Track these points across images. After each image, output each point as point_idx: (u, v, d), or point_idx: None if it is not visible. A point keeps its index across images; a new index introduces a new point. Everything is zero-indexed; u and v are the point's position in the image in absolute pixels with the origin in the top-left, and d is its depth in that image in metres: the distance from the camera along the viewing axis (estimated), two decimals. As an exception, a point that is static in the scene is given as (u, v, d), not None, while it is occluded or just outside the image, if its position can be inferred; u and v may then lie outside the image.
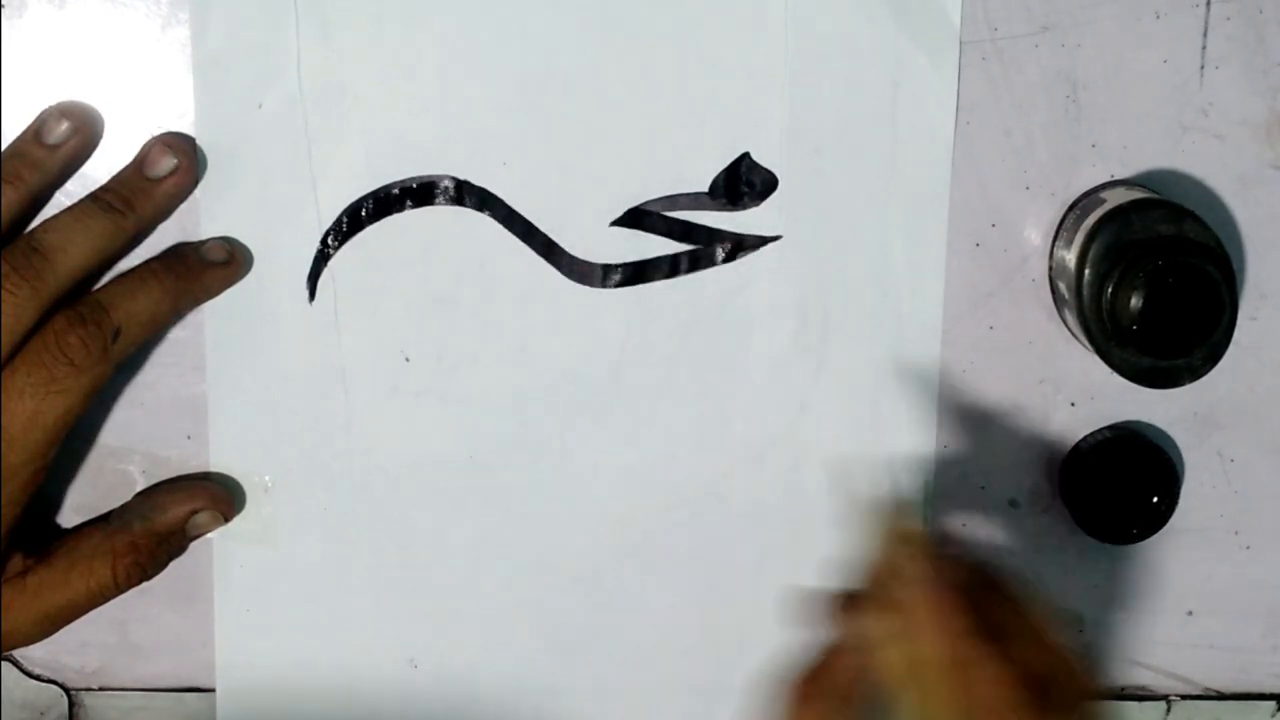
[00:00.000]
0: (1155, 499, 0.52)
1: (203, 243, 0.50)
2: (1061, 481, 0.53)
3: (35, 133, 0.48)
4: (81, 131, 0.48)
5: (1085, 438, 0.53)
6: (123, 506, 0.51)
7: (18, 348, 0.46)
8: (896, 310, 0.52)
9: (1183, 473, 0.53)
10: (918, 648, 0.40)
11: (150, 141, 0.49)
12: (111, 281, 0.48)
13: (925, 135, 0.51)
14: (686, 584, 0.53)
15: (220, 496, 0.51)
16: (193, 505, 0.50)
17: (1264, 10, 0.50)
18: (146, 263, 0.49)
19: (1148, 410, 0.53)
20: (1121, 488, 0.52)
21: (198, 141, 0.49)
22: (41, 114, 0.48)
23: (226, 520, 0.51)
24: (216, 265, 0.49)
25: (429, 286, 0.51)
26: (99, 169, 0.49)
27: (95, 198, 0.48)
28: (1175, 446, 0.53)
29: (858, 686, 0.42)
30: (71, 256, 0.46)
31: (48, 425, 0.46)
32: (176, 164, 0.48)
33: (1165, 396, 0.52)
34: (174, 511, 0.50)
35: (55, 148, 0.48)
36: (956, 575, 0.42)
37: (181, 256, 0.49)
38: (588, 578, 0.53)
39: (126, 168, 0.49)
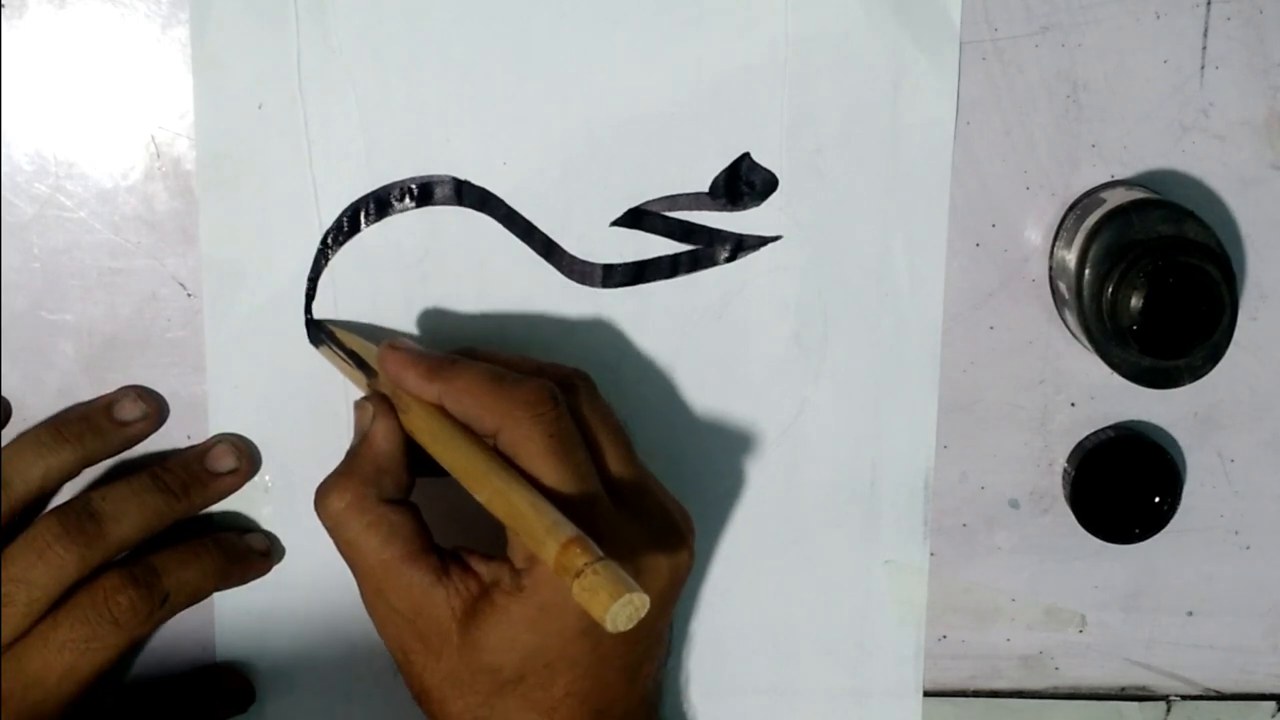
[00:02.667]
0: (1157, 499, 0.52)
1: (247, 532, 0.52)
2: (1064, 481, 0.53)
3: (109, 405, 0.50)
4: (150, 418, 0.50)
5: (1087, 437, 0.53)
6: (147, 705, 0.51)
7: (56, 603, 0.47)
8: (896, 310, 0.52)
9: (1183, 473, 0.53)
10: (406, 407, 0.47)
11: (216, 438, 0.51)
12: (167, 549, 0.49)
13: (925, 135, 0.51)
14: (686, 583, 0.53)
15: (239, 687, 0.52)
16: (213, 701, 0.52)
17: (1264, 10, 0.50)
18: (201, 539, 0.50)
19: (1148, 410, 0.53)
20: (1124, 487, 0.52)
21: (198, 142, 0.49)
22: (120, 390, 0.50)
23: (246, 708, 0.52)
24: (256, 554, 0.51)
25: (429, 287, 0.51)
26: (100, 169, 0.49)
27: (155, 475, 0.49)
28: (1175, 446, 0.53)
29: (384, 465, 0.47)
30: (123, 527, 0.48)
31: (81, 679, 0.47)
32: (237, 467, 0.50)
33: (1165, 396, 0.52)
34: (195, 709, 0.51)
35: (123, 425, 0.50)
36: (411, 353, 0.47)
37: (231, 541, 0.51)
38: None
39: (190, 455, 0.51)
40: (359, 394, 0.51)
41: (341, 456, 0.49)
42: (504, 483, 0.44)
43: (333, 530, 0.47)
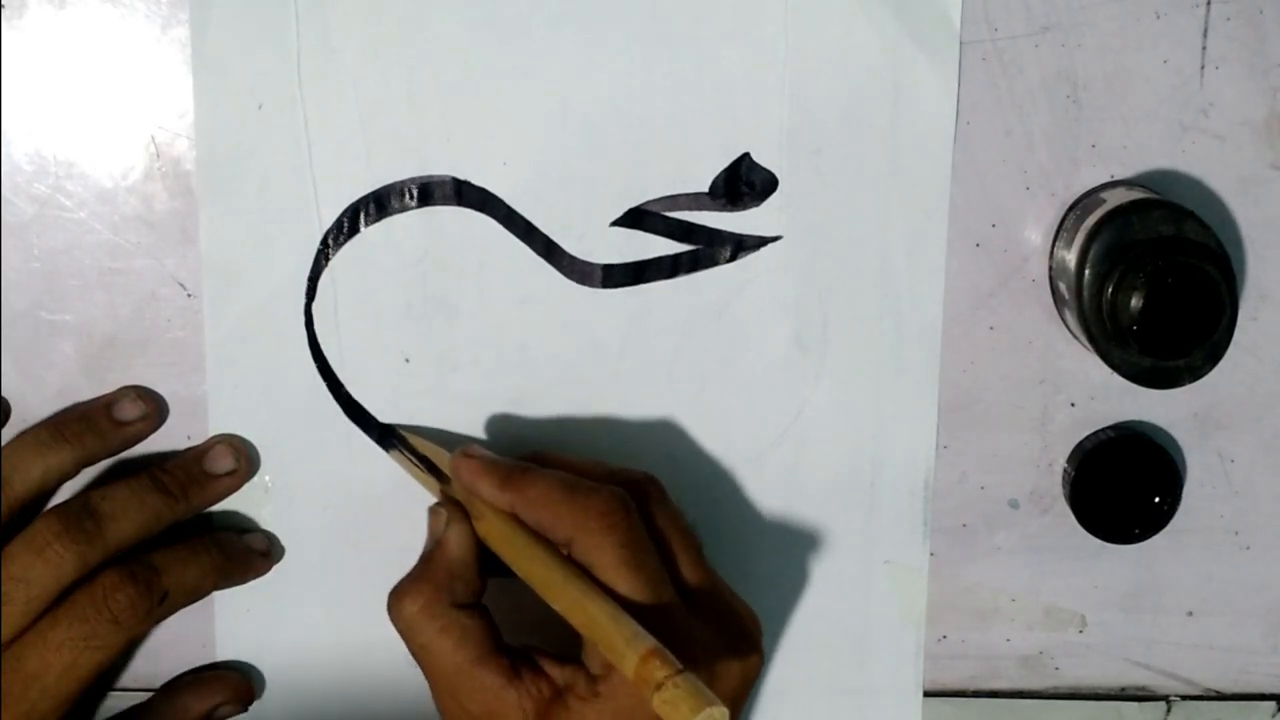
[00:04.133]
0: (1157, 499, 0.52)
1: (246, 532, 0.52)
2: (1064, 481, 0.53)
3: (109, 405, 0.50)
4: (149, 418, 0.51)
5: (1087, 437, 0.53)
6: (146, 705, 0.51)
7: (55, 601, 0.47)
8: (896, 310, 0.52)
9: (1183, 473, 0.53)
10: (480, 514, 0.48)
11: (215, 439, 0.51)
12: (167, 548, 0.49)
13: (925, 135, 0.51)
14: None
15: (239, 687, 0.52)
16: (214, 701, 0.52)
17: (1264, 10, 0.50)
18: (201, 537, 0.50)
19: (1148, 410, 0.53)
20: (1124, 487, 0.52)
21: (198, 142, 0.49)
22: (120, 390, 0.51)
23: (247, 708, 0.53)
24: (256, 554, 0.51)
25: (429, 287, 0.51)
26: (100, 170, 0.49)
27: (154, 477, 0.49)
28: (1175, 446, 0.53)
29: (457, 571, 0.47)
30: (122, 527, 0.48)
31: (80, 678, 0.47)
32: (236, 468, 0.51)
33: (1165, 397, 0.52)
34: (196, 709, 0.51)
35: (122, 425, 0.50)
36: (491, 463, 0.48)
37: (231, 541, 0.51)
38: (588, 578, 0.53)
39: (188, 456, 0.51)
40: (359, 394, 0.51)
41: (341, 457, 0.49)
42: (580, 592, 0.44)
43: (405, 633, 0.47)
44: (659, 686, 0.41)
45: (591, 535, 0.45)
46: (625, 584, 0.45)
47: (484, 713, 0.46)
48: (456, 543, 0.48)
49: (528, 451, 0.50)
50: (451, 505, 0.48)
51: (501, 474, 0.47)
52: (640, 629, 0.42)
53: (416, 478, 0.51)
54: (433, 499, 0.50)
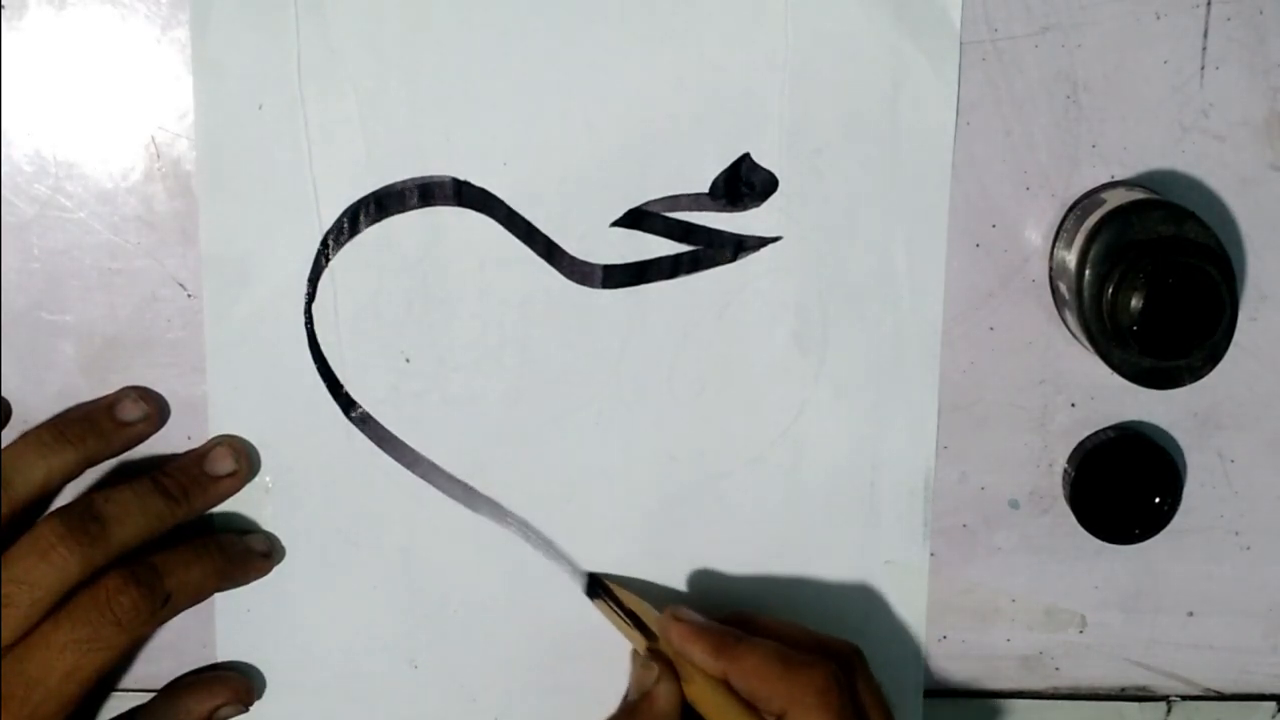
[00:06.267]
0: (1158, 499, 0.52)
1: (247, 533, 0.52)
2: (1064, 481, 0.53)
3: (110, 406, 0.50)
4: (150, 419, 0.51)
5: (1088, 438, 0.53)
6: (147, 706, 0.51)
7: (58, 604, 0.47)
8: (896, 310, 0.52)
9: (1184, 473, 0.53)
10: (689, 677, 0.49)
11: (215, 440, 0.51)
12: (169, 550, 0.49)
13: (925, 135, 0.51)
14: (687, 584, 0.53)
15: (240, 688, 0.52)
16: (215, 702, 0.52)
17: (1264, 11, 0.50)
18: (202, 539, 0.50)
19: (1148, 410, 0.53)
20: (1124, 487, 0.52)
21: (198, 142, 0.49)
22: (121, 391, 0.51)
23: (247, 708, 0.52)
24: (257, 555, 0.52)
25: (429, 287, 0.51)
26: (100, 170, 0.49)
27: (156, 480, 0.49)
28: (1175, 447, 0.53)
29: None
30: (126, 530, 0.48)
31: (83, 680, 0.47)
32: (236, 469, 0.51)
33: (1165, 397, 0.52)
34: (197, 710, 0.51)
35: (124, 425, 0.50)
36: (699, 625, 0.49)
37: (232, 543, 0.51)
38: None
39: (189, 458, 0.51)
40: (359, 394, 0.51)
41: (341, 457, 0.49)
42: None
43: None
44: None
45: (808, 711, 0.46)
46: None
47: None
48: (665, 699, 0.48)
49: (731, 613, 0.51)
50: (662, 662, 0.49)
51: (714, 641, 0.48)
52: None
53: (622, 631, 0.51)
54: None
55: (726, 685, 0.48)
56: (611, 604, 0.51)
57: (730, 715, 0.47)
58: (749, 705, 0.48)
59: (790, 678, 0.47)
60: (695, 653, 0.48)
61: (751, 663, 0.47)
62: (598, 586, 0.52)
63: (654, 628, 0.50)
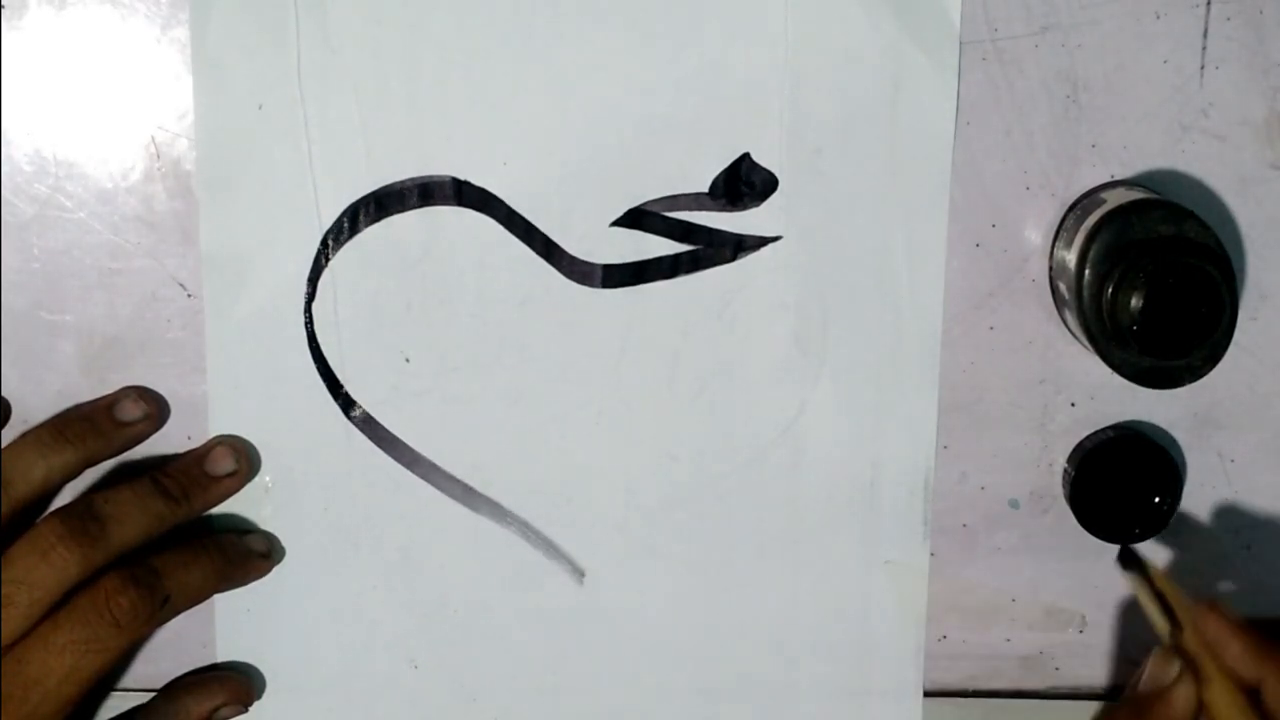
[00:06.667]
0: (1157, 499, 0.52)
1: (247, 533, 0.52)
2: (1064, 481, 0.53)
3: (110, 406, 0.50)
4: (151, 418, 0.51)
5: (1088, 437, 0.53)
6: (147, 706, 0.51)
7: (57, 604, 0.47)
8: (896, 310, 0.52)
9: (1184, 473, 0.53)
10: (1210, 677, 0.46)
11: (215, 440, 0.51)
12: (168, 551, 0.49)
13: (925, 135, 0.51)
14: (687, 584, 0.53)
15: (240, 688, 0.52)
16: (215, 702, 0.52)
17: (1264, 10, 0.50)
18: (201, 540, 0.50)
19: (1148, 410, 0.53)
20: (1125, 487, 0.52)
21: (198, 142, 0.49)
22: (121, 391, 0.51)
23: (247, 708, 0.52)
24: (256, 555, 0.52)
25: (429, 287, 0.51)
26: (100, 170, 0.49)
27: (156, 480, 0.49)
28: (1175, 446, 0.53)
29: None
30: (126, 530, 0.48)
31: (82, 681, 0.47)
32: (236, 469, 0.51)
33: (1165, 397, 0.52)
34: (196, 710, 0.51)
35: (124, 425, 0.50)
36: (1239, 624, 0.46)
37: (231, 543, 0.51)
38: (588, 577, 0.53)
39: (189, 458, 0.51)
40: (359, 394, 0.51)
41: (341, 457, 0.49)
42: None
43: None
44: None
45: None
46: None
47: None
48: (1183, 704, 0.46)
49: (1277, 616, 0.49)
50: (1184, 660, 0.46)
51: (1256, 642, 0.45)
52: None
53: (1148, 612, 0.49)
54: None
55: (1251, 695, 0.45)
56: (1143, 580, 0.49)
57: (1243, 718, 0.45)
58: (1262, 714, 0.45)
59: None
60: (1231, 650, 0.45)
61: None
62: (1131, 560, 0.50)
63: (1182, 617, 0.47)
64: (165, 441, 0.51)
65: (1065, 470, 0.53)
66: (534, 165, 0.50)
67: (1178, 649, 0.47)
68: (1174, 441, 0.53)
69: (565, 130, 0.50)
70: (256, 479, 0.52)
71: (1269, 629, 0.47)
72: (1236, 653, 0.45)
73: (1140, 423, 0.53)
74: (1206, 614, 0.46)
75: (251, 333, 0.51)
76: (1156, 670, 0.47)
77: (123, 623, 0.47)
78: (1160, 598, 0.49)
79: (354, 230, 0.50)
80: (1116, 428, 0.53)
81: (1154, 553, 0.53)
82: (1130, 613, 0.54)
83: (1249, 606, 0.54)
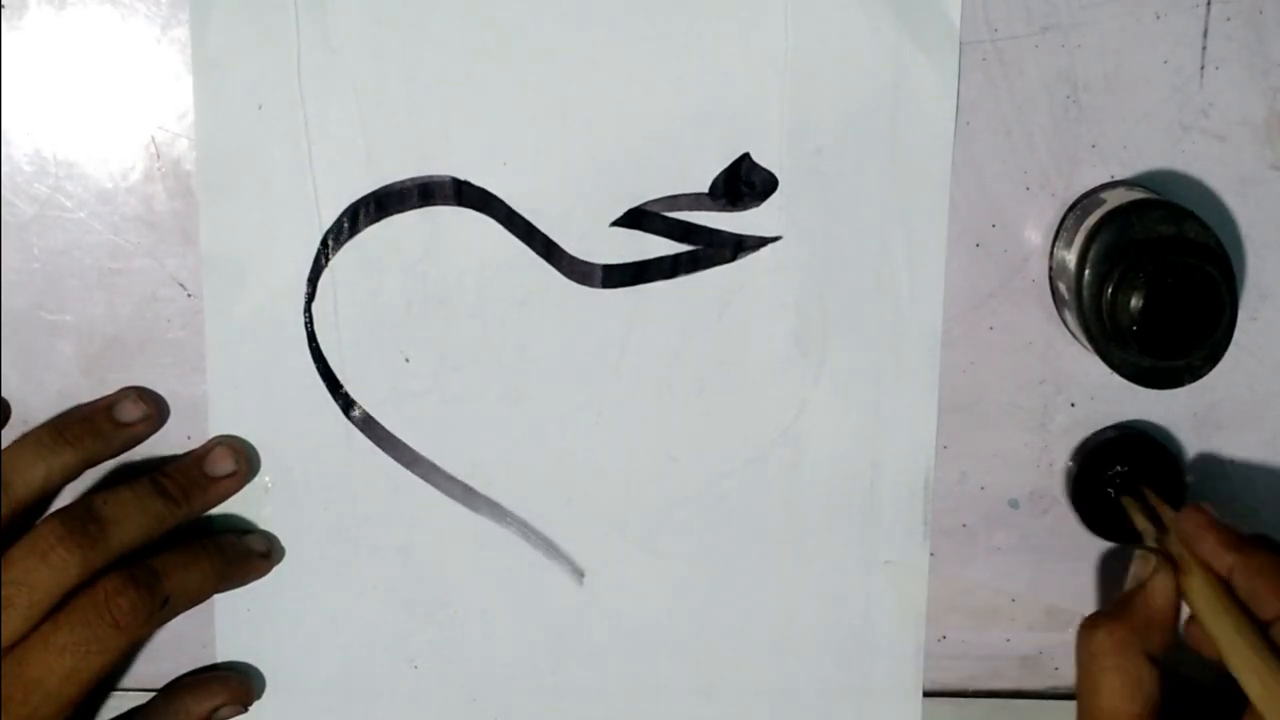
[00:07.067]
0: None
1: (247, 533, 0.52)
2: (1067, 479, 0.53)
3: (109, 407, 0.50)
4: (150, 419, 0.51)
5: (1091, 436, 0.53)
6: (147, 706, 0.51)
7: (58, 605, 0.47)
8: (896, 310, 0.52)
9: (1185, 473, 0.53)
10: (1188, 569, 0.48)
11: (214, 440, 0.51)
12: (167, 552, 0.49)
13: (925, 135, 0.51)
14: (686, 584, 0.53)
15: (240, 688, 0.52)
16: (214, 702, 0.52)
17: (1264, 11, 0.50)
18: (201, 541, 0.50)
19: (1148, 410, 0.53)
20: (1127, 486, 0.52)
21: (198, 142, 0.49)
22: (120, 391, 0.51)
23: (247, 708, 0.53)
24: (256, 555, 0.52)
25: (429, 287, 0.51)
26: (100, 170, 0.50)
27: (155, 481, 0.49)
28: (1176, 446, 0.53)
29: (1155, 620, 0.47)
30: (125, 531, 0.48)
31: (82, 682, 0.47)
32: (236, 469, 0.51)
33: (1165, 397, 0.52)
34: (196, 710, 0.51)
35: (124, 426, 0.50)
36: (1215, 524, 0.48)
37: (231, 543, 0.51)
38: (588, 577, 0.53)
39: (188, 459, 0.51)
40: (359, 394, 0.51)
41: (341, 457, 0.48)
42: (1268, 670, 0.44)
43: (1085, 661, 0.47)
44: None
45: None
46: None
47: None
48: (1161, 592, 0.47)
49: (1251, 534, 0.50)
50: (1161, 556, 0.48)
51: (1229, 535, 0.47)
52: None
53: (1136, 520, 0.51)
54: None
55: (1225, 585, 0.47)
56: (1135, 500, 0.51)
57: (1220, 611, 0.46)
58: (1243, 608, 0.46)
59: None
60: (1206, 542, 0.47)
61: (1262, 560, 0.46)
62: (1130, 486, 0.52)
63: (1167, 521, 0.49)
64: (165, 442, 0.51)
65: (1068, 468, 0.53)
66: (534, 165, 0.50)
67: (1160, 552, 0.49)
68: (1174, 441, 0.53)
69: (565, 130, 0.50)
70: (256, 479, 0.52)
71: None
72: (1211, 545, 0.47)
73: (1140, 422, 0.53)
74: (1188, 512, 0.48)
75: (251, 333, 0.51)
76: (1138, 569, 0.48)
77: (122, 623, 0.47)
78: (1147, 508, 0.51)
79: (354, 230, 0.50)
80: (1120, 427, 0.53)
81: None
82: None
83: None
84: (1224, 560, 0.47)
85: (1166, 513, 0.50)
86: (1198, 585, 0.47)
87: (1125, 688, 0.46)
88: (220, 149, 0.50)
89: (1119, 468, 0.52)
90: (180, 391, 0.51)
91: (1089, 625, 0.47)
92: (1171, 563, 0.48)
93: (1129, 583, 0.49)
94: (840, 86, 0.50)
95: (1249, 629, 0.46)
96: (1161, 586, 0.47)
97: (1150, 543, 0.50)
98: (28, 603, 0.46)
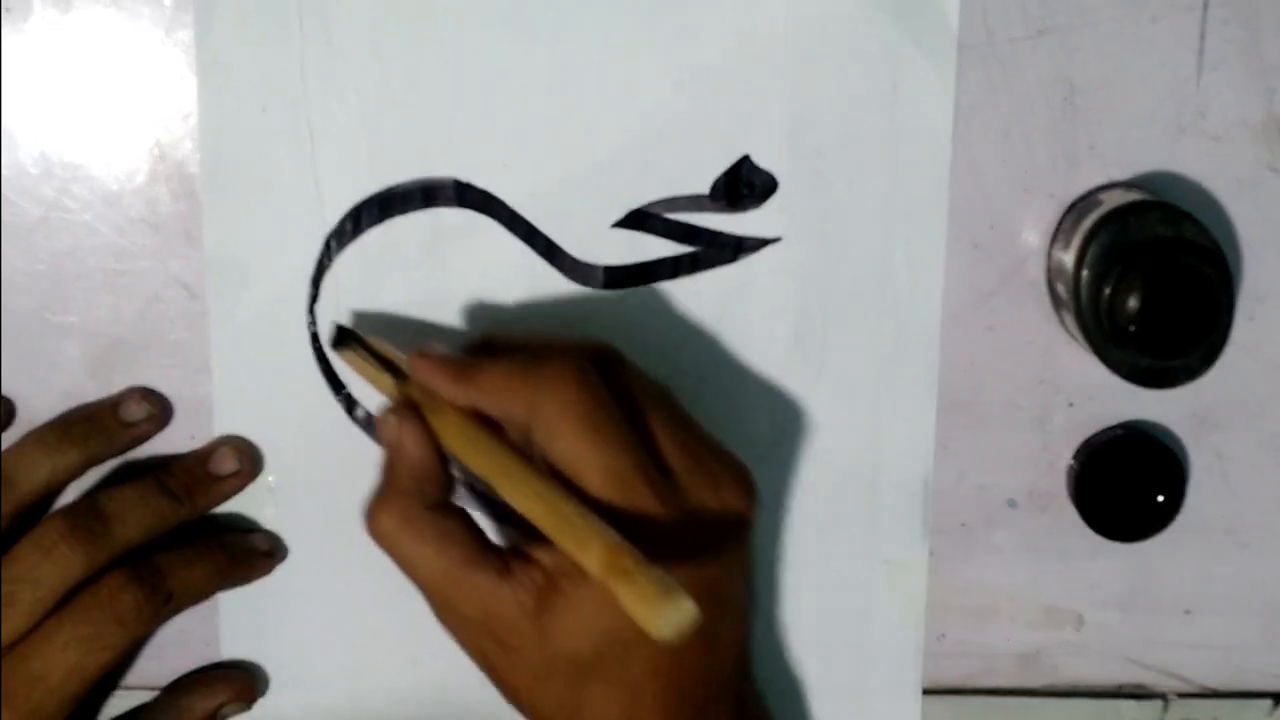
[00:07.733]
0: (1160, 497, 0.52)
1: (251, 532, 0.52)
2: (1069, 477, 0.53)
3: (114, 406, 0.50)
4: (154, 419, 0.51)
5: (1093, 436, 0.53)
6: (150, 705, 0.52)
7: (62, 602, 0.47)
8: (896, 310, 0.52)
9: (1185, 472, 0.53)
10: (437, 410, 0.46)
11: (218, 440, 0.51)
12: (172, 550, 0.49)
13: (925, 137, 0.51)
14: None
15: (243, 686, 0.52)
16: (218, 700, 0.52)
17: (1261, 13, 0.50)
18: (205, 539, 0.50)
19: (1146, 410, 0.53)
20: (1127, 486, 0.52)
21: (202, 144, 0.50)
22: (125, 391, 0.51)
23: (250, 706, 0.53)
24: (260, 554, 0.52)
25: (431, 288, 0.51)
26: (105, 172, 0.50)
27: (159, 479, 0.49)
28: (1175, 446, 0.53)
29: (421, 474, 0.45)
30: (129, 528, 0.48)
31: (85, 679, 0.47)
32: (239, 469, 0.51)
33: (1163, 397, 0.53)
34: (200, 708, 0.52)
35: (128, 425, 0.50)
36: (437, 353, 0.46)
37: (234, 542, 0.51)
38: (589, 577, 0.53)
39: (192, 458, 0.51)
40: (362, 394, 0.51)
41: (345, 457, 0.49)
42: (539, 487, 0.43)
43: (388, 550, 0.46)
44: (622, 583, 0.39)
45: (549, 404, 0.43)
46: (590, 450, 0.43)
47: (482, 615, 0.45)
48: (413, 444, 0.45)
49: (478, 337, 0.48)
50: (401, 409, 0.46)
51: (456, 370, 0.45)
52: (601, 525, 0.41)
53: (371, 380, 0.48)
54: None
55: (475, 416, 0.45)
56: (362, 352, 0.48)
57: (476, 444, 0.44)
58: (499, 434, 0.44)
59: (526, 377, 0.44)
60: (439, 383, 0.45)
61: (492, 379, 0.45)
62: (346, 337, 0.49)
63: (404, 367, 0.47)
64: (168, 442, 0.52)
65: (1070, 466, 0.53)
66: (536, 167, 0.50)
67: (400, 404, 0.46)
68: (1175, 441, 0.53)
69: (567, 132, 0.50)
70: (260, 479, 0.52)
71: (479, 348, 0.48)
72: (443, 383, 0.45)
73: (1138, 422, 0.53)
74: (416, 360, 0.46)
75: (255, 334, 0.51)
76: (385, 433, 0.46)
77: (126, 621, 0.47)
78: (383, 360, 0.48)
79: (357, 232, 0.51)
80: (1122, 426, 0.53)
81: (1151, 552, 0.54)
82: (1129, 611, 0.55)
83: (1247, 606, 0.55)
84: (465, 393, 0.45)
85: (400, 359, 0.47)
86: (447, 428, 0.45)
87: (434, 548, 0.45)
88: (224, 151, 0.50)
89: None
90: (184, 392, 0.51)
91: (368, 518, 0.46)
92: (413, 412, 0.45)
93: (384, 453, 0.46)
94: (840, 88, 0.50)
95: (509, 456, 0.43)
96: (411, 437, 0.45)
97: (393, 395, 0.47)
98: (31, 599, 0.46)
